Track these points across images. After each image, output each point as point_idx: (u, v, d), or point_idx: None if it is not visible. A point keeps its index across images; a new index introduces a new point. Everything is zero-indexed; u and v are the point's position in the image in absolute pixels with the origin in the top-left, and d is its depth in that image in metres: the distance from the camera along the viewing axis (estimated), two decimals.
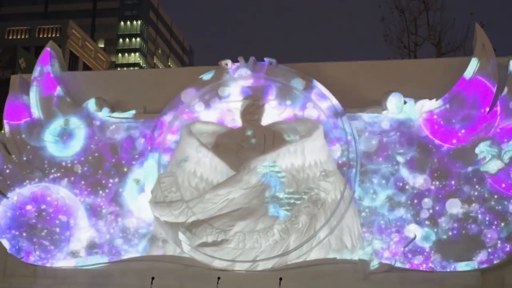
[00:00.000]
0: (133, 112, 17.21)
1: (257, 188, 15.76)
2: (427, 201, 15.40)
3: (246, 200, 15.74)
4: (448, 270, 14.84)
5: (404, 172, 15.62)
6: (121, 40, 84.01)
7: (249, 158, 15.86)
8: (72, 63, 50.70)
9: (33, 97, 17.86)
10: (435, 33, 30.34)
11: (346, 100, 15.98)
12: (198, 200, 15.84)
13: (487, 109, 15.40)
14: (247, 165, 15.75)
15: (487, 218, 15.08)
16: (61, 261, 16.65)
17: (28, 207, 17.00)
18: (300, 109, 16.30)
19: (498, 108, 15.45)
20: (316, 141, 15.85)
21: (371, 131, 15.87)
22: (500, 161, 15.14)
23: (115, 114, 17.30)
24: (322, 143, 15.88)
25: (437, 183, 15.51)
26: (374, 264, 14.98)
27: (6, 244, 16.97)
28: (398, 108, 15.70)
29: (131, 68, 78.00)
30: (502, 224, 14.99)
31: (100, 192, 17.01)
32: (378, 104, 15.89)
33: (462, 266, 14.81)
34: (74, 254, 16.70)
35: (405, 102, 15.76)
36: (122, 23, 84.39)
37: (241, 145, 16.28)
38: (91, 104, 17.37)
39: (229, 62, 16.93)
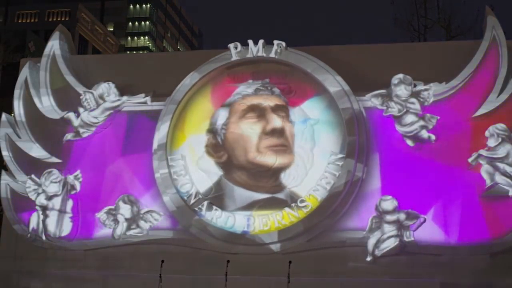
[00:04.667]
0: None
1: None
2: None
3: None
4: (457, 254, 14.80)
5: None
6: (130, 23, 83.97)
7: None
8: (82, 46, 50.61)
9: (43, 80, 17.96)
10: (445, 16, 30.14)
11: (355, 83, 15.94)
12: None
13: (497, 93, 15.35)
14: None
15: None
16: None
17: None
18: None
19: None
20: None
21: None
22: (510, 144, 15.07)
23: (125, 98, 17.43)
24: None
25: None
26: (383, 247, 15.00)
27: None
28: (407, 91, 15.68)
29: (141, 52, 77.92)
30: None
31: None
32: (387, 87, 15.84)
33: (471, 250, 14.75)
34: None
35: (414, 85, 15.73)
36: (131, 6, 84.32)
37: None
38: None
39: (238, 45, 16.94)
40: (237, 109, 16.61)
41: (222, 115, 16.67)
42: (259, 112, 16.43)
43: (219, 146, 16.56)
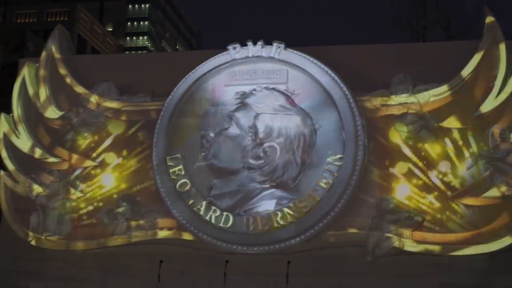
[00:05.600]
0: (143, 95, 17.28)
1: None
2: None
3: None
4: (457, 254, 14.79)
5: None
6: (129, 23, 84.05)
7: None
8: (81, 46, 50.51)
9: (42, 80, 17.88)
10: (444, 16, 30.19)
11: (355, 84, 15.94)
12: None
13: (496, 93, 15.32)
14: None
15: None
16: None
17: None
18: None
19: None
20: None
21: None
22: (509, 144, 15.05)
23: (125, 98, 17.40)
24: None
25: None
26: (383, 247, 15.00)
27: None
28: (407, 91, 15.68)
29: (140, 52, 77.87)
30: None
31: None
32: (387, 87, 15.87)
33: (470, 250, 14.75)
34: None
35: (415, 85, 15.75)
36: (130, 6, 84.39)
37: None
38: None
39: (237, 45, 16.92)
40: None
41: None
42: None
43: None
